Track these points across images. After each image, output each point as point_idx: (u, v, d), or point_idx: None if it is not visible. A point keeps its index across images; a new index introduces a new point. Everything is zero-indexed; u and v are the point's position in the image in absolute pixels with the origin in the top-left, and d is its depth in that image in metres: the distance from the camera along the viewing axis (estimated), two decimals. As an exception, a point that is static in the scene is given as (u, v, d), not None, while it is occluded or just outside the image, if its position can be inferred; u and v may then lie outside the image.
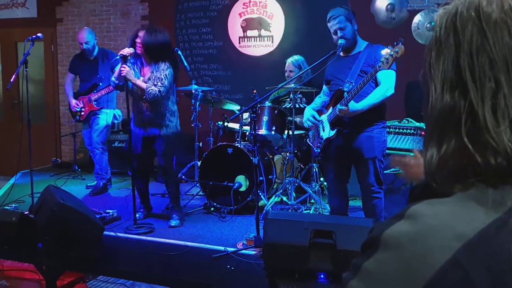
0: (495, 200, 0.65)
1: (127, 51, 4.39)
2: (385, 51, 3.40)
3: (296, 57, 5.69)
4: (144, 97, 4.43)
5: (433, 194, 0.70)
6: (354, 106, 3.60)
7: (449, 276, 0.61)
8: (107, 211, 4.78)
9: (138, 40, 4.49)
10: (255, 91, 5.26)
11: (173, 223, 4.63)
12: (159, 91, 4.41)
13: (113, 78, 4.59)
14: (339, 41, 3.83)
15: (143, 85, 4.42)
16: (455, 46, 0.71)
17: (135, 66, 4.58)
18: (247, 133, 5.31)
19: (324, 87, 4.17)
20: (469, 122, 0.68)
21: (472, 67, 0.69)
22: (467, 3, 0.72)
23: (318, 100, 4.17)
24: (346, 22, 3.77)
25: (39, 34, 5.04)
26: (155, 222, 4.73)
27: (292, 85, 4.95)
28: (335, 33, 3.81)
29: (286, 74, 5.66)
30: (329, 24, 3.84)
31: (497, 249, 0.62)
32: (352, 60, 3.82)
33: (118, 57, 4.42)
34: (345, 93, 3.69)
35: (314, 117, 4.00)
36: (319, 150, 4.01)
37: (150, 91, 4.40)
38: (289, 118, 5.08)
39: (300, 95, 5.40)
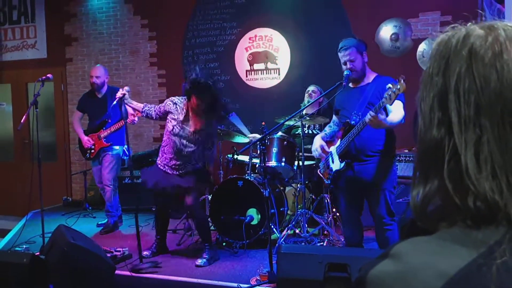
0: (477, 238, 0.65)
1: (121, 92, 4.51)
2: (388, 87, 3.39)
3: (316, 85, 5.85)
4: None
5: (420, 231, 0.70)
6: (381, 118, 3.52)
7: None
8: (118, 249, 4.73)
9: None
10: (263, 123, 5.26)
11: (199, 262, 4.49)
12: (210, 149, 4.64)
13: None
14: (345, 73, 3.85)
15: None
16: (445, 84, 0.71)
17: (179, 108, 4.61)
18: (257, 165, 5.29)
19: (334, 117, 4.18)
20: (452, 163, 0.68)
21: (458, 109, 0.68)
22: (461, 39, 0.71)
23: (328, 130, 4.17)
24: (357, 54, 3.76)
25: (49, 75, 5.12)
26: (167, 258, 4.69)
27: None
28: (345, 63, 3.80)
29: (307, 95, 5.69)
30: (339, 54, 3.83)
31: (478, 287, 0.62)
32: (360, 92, 3.81)
33: (116, 101, 4.55)
34: (354, 126, 3.69)
35: (323, 148, 3.98)
36: (329, 182, 3.99)
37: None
38: (304, 146, 5.04)
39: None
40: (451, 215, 0.68)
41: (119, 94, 4.48)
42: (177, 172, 4.62)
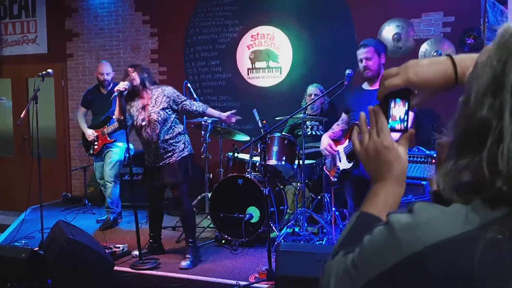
0: (483, 216, 0.72)
1: (123, 85, 4.33)
2: None
3: (317, 84, 5.81)
4: (202, 111, 4.55)
5: (442, 201, 0.78)
6: None
7: (412, 264, 0.74)
8: (117, 245, 4.73)
9: (132, 75, 4.45)
10: (264, 121, 5.26)
11: (183, 264, 4.38)
12: (198, 102, 4.58)
13: (114, 117, 4.61)
14: (347, 72, 3.87)
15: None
16: (503, 74, 0.73)
17: (136, 101, 4.55)
18: (257, 164, 5.29)
19: (343, 115, 4.17)
20: (494, 146, 0.71)
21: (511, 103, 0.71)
22: None
23: (336, 128, 4.20)
24: (374, 53, 3.82)
25: (49, 70, 5.10)
26: (166, 255, 4.69)
27: (301, 114, 4.96)
28: (361, 61, 3.85)
29: (310, 98, 5.64)
30: (358, 52, 3.89)
31: (461, 256, 0.70)
32: (372, 95, 3.82)
33: (116, 93, 4.32)
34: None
35: (330, 146, 4.02)
36: (335, 180, 4.05)
37: (201, 107, 4.56)
38: (306, 145, 5.02)
39: (316, 123, 5.43)
40: (468, 192, 0.74)
41: (121, 87, 4.32)
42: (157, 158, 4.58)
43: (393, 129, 1.05)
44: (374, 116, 1.06)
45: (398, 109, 1.05)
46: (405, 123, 1.05)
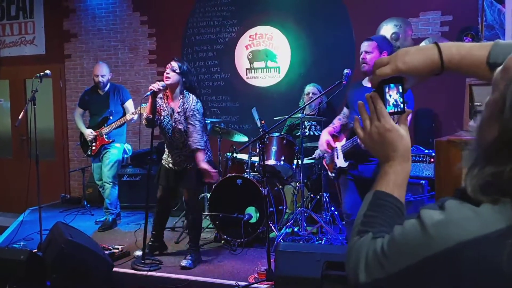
0: (511, 216, 0.77)
1: (158, 85, 4.29)
2: None
3: (315, 84, 5.82)
4: (194, 148, 4.35)
5: (469, 199, 0.83)
6: None
7: (443, 259, 0.79)
8: (116, 247, 4.72)
9: (167, 71, 4.40)
10: (263, 121, 5.25)
11: (184, 263, 4.38)
12: (201, 135, 4.38)
13: (145, 116, 4.47)
14: (345, 71, 3.85)
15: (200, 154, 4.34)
16: None
17: (162, 100, 4.51)
18: (256, 164, 5.29)
19: (345, 109, 4.15)
20: None
21: None
22: None
23: (337, 123, 4.17)
24: (376, 49, 3.75)
25: (47, 71, 5.09)
26: (165, 256, 4.68)
27: (300, 114, 4.96)
28: (361, 54, 3.81)
29: (308, 97, 5.64)
30: (361, 45, 3.85)
31: (492, 252, 0.75)
32: (370, 91, 3.80)
33: (149, 93, 4.30)
34: None
35: (328, 143, 4.00)
36: (333, 175, 4.06)
37: (197, 144, 4.33)
38: (304, 145, 5.01)
39: (314, 123, 5.41)
40: (498, 193, 0.79)
41: (155, 87, 4.27)
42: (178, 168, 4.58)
43: (390, 113, 1.13)
44: (372, 102, 1.13)
45: (393, 94, 1.13)
46: (402, 105, 1.13)
